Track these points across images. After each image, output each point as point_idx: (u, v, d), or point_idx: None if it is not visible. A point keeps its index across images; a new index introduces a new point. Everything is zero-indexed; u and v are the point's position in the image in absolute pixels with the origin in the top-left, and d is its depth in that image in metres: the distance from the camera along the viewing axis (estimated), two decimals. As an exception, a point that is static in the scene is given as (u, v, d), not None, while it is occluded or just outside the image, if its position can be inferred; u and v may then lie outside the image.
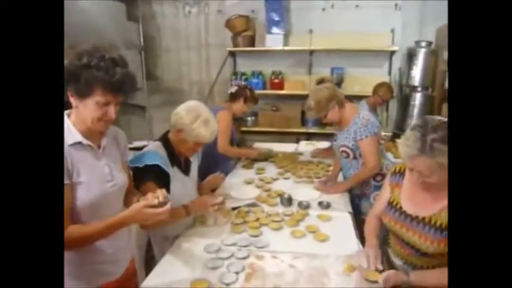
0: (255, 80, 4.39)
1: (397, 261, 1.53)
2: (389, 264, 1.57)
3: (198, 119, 1.66)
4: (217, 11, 4.54)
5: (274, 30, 4.21)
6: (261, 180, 2.60)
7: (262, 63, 4.56)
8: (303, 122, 4.51)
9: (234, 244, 1.69)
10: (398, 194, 1.50)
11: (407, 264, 1.48)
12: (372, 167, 2.23)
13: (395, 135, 4.09)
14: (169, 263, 1.59)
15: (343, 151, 2.34)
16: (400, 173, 1.54)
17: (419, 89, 4.11)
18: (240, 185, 2.52)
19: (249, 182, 2.57)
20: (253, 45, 4.36)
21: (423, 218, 1.38)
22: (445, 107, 3.96)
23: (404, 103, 4.24)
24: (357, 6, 4.24)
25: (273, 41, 4.21)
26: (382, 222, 1.60)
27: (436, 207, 1.36)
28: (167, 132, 1.81)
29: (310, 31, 4.36)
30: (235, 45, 4.38)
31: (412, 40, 4.15)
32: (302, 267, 1.51)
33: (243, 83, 3.81)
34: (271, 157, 3.13)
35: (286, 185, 2.50)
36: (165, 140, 1.76)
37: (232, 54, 4.55)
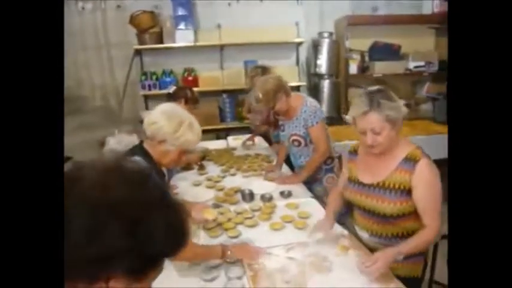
0: (167, 79, 4.15)
1: (363, 234, 1.62)
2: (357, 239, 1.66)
3: (182, 125, 1.46)
4: (116, 7, 4.14)
5: (182, 25, 4.03)
6: (209, 180, 2.48)
7: (171, 61, 4.33)
8: (222, 118, 4.45)
9: (219, 249, 1.57)
10: (355, 169, 1.63)
11: (373, 236, 1.57)
12: (323, 151, 2.31)
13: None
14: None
15: (294, 140, 2.36)
16: (355, 151, 1.67)
17: (326, 76, 4.41)
18: (190, 188, 2.36)
19: (197, 184, 2.43)
20: (161, 42, 4.10)
21: (377, 183, 1.51)
22: (350, 91, 4.35)
23: (314, 90, 4.51)
24: (261, 0, 4.32)
25: (183, 37, 4.03)
26: (343, 198, 1.71)
27: (386, 171, 1.49)
28: (140, 144, 1.56)
29: (219, 26, 4.30)
30: (142, 43, 4.06)
31: (315, 32, 4.42)
32: (300, 257, 1.49)
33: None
34: (207, 155, 3.01)
35: (237, 181, 2.43)
36: (142, 152, 1.50)
37: (138, 52, 4.21)
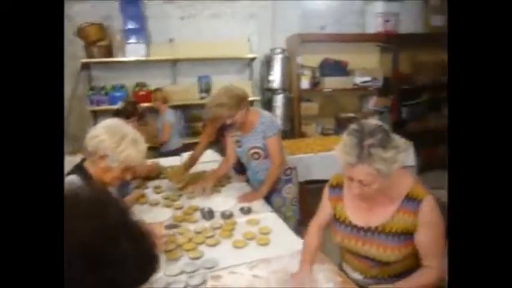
0: (117, 94, 4.00)
1: (357, 276, 1.46)
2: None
3: (125, 140, 1.41)
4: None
5: (133, 39, 3.93)
6: (166, 198, 2.40)
7: (121, 75, 4.19)
8: (175, 134, 4.36)
9: (181, 273, 1.52)
10: (342, 208, 1.45)
11: (368, 278, 1.43)
12: (280, 163, 2.32)
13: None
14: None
15: (254, 153, 2.35)
16: (338, 186, 1.48)
17: (279, 91, 4.50)
18: (148, 208, 2.26)
19: (154, 204, 2.33)
20: (110, 55, 3.97)
21: (376, 228, 1.34)
22: (302, 106, 4.48)
23: (268, 105, 4.58)
24: (214, 16, 4.35)
25: (134, 50, 3.92)
26: (323, 234, 1.54)
27: (385, 213, 1.33)
28: (82, 161, 1.48)
29: (171, 40, 4.25)
30: (90, 56, 3.89)
31: (267, 48, 4.52)
32: (265, 274, 1.47)
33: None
34: (161, 173, 2.92)
35: (196, 200, 2.37)
36: (81, 171, 1.43)
37: (86, 66, 4.03)
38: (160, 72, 4.33)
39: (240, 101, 2.18)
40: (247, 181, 2.60)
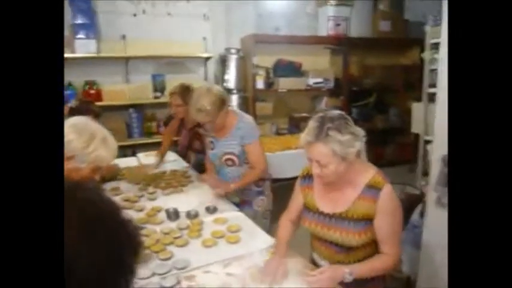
0: (66, 92, 3.77)
1: (324, 263, 1.54)
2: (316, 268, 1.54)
3: (94, 140, 1.34)
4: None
5: (83, 34, 3.73)
6: (126, 200, 2.31)
7: (69, 73, 3.93)
8: (129, 134, 4.21)
9: (153, 275, 1.48)
10: (312, 196, 1.54)
11: (334, 264, 1.48)
12: (262, 169, 2.21)
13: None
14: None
15: (228, 159, 2.23)
16: (309, 176, 1.56)
17: (234, 91, 4.51)
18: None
19: (113, 206, 2.24)
20: (57, 51, 3.72)
21: (340, 214, 1.43)
22: (257, 106, 4.53)
23: (223, 105, 4.57)
24: (168, 14, 4.25)
25: (84, 46, 3.72)
26: (295, 228, 1.63)
27: (347, 200, 1.43)
28: None
29: (123, 37, 4.09)
30: (33, 51, 3.63)
31: (221, 47, 4.51)
32: (239, 271, 1.49)
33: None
34: (118, 174, 2.81)
35: (158, 200, 2.31)
36: None
37: (29, 62, 3.75)
38: (112, 70, 4.15)
39: (222, 104, 2.07)
40: None
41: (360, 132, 1.37)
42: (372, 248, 1.46)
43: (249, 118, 2.25)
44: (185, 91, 2.83)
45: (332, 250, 1.50)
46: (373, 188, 1.40)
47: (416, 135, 3.93)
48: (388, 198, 1.38)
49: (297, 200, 1.62)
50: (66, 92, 3.78)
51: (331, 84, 4.78)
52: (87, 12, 3.71)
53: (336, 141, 1.29)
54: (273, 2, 4.72)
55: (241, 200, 2.28)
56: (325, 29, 4.74)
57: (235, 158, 2.21)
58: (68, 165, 1.33)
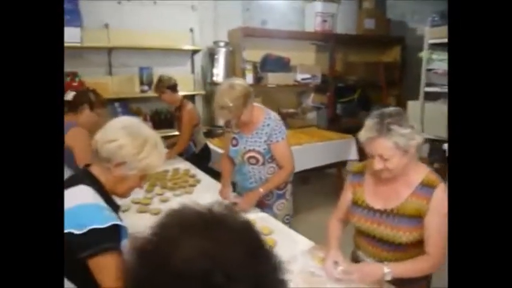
0: (45, 84, 3.48)
1: (370, 262, 1.52)
2: None
3: (147, 145, 1.20)
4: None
5: (65, 22, 3.44)
6: (136, 203, 2.16)
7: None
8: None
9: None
10: (362, 192, 1.54)
11: (380, 262, 1.46)
12: (291, 170, 2.12)
13: (209, 132, 4.26)
14: None
15: (251, 157, 2.10)
16: (360, 173, 1.58)
17: (222, 85, 4.39)
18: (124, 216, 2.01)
19: (124, 210, 2.08)
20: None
21: (391, 210, 1.44)
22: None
23: (210, 99, 4.44)
24: (155, 2, 4.04)
25: (68, 35, 3.43)
26: (343, 226, 1.63)
27: (400, 197, 1.43)
28: (86, 168, 1.24)
29: (106, 26, 3.83)
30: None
31: (209, 40, 4.37)
32: (290, 276, 1.43)
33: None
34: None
35: (171, 202, 2.19)
36: (91, 180, 1.19)
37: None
38: (93, 61, 3.88)
39: (246, 99, 1.95)
40: (233, 186, 2.33)
41: (416, 126, 1.39)
42: (418, 249, 1.44)
43: (275, 115, 2.15)
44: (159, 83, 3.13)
45: (379, 248, 1.49)
46: (427, 186, 1.40)
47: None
48: (441, 198, 1.38)
49: (345, 198, 1.62)
50: (46, 84, 3.49)
51: (318, 80, 4.79)
52: (71, -2, 3.43)
53: (398, 134, 1.32)
54: (261, -5, 4.64)
55: (260, 202, 2.13)
56: (312, 24, 4.73)
57: (259, 156, 2.10)
58: (116, 173, 1.20)
